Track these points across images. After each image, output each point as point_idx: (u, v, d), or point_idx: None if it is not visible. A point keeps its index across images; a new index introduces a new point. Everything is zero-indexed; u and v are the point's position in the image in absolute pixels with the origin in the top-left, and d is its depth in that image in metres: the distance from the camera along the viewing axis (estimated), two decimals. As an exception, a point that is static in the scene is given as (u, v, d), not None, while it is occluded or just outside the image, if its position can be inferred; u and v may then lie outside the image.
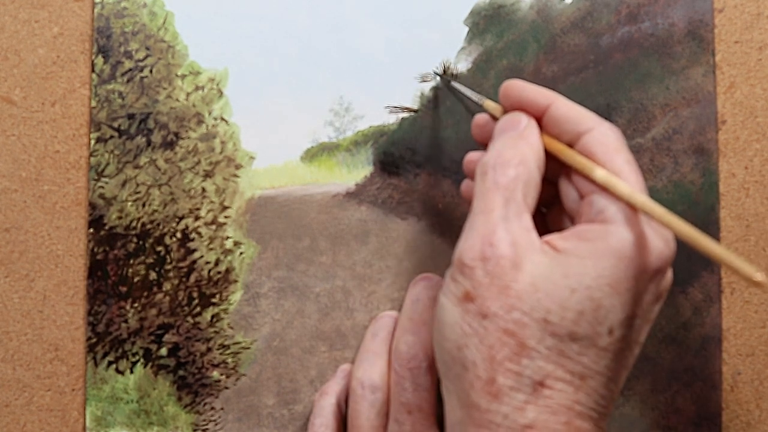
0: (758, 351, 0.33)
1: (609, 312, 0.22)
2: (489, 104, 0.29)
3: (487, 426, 0.22)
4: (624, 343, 0.23)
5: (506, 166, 0.24)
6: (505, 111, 0.27)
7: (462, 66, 0.33)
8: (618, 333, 0.22)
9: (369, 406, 0.29)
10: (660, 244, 0.23)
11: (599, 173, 0.23)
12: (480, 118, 0.29)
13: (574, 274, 0.22)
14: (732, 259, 0.20)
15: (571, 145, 0.25)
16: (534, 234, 0.23)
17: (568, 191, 0.25)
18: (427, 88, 0.33)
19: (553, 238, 0.24)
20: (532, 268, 0.22)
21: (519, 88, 0.26)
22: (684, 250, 0.33)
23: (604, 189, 0.23)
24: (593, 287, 0.22)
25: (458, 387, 0.23)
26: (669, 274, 0.25)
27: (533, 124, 0.26)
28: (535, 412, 0.22)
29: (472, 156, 0.29)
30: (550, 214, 0.28)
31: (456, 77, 0.33)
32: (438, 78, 0.33)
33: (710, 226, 0.32)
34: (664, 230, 0.23)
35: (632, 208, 0.23)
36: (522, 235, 0.23)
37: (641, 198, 0.22)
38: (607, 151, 0.24)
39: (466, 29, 0.34)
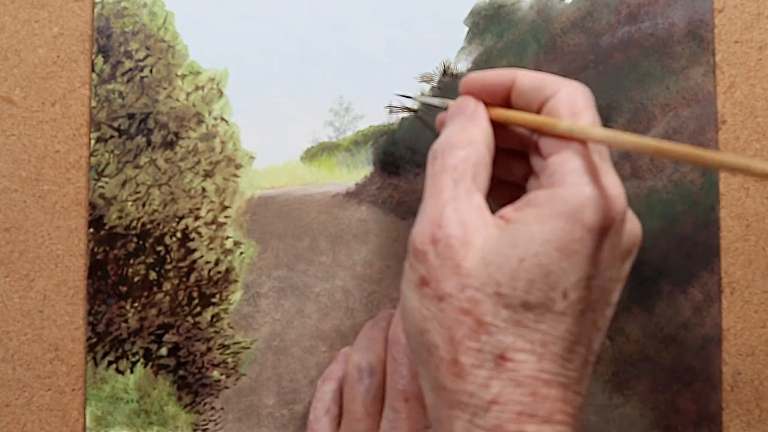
0: (758, 351, 0.33)
1: (560, 276, 0.22)
2: (452, 104, 0.29)
3: (457, 406, 0.22)
4: (584, 305, 0.22)
5: (455, 148, 0.24)
6: None
7: (462, 66, 0.33)
8: (573, 295, 0.22)
9: (364, 390, 0.30)
10: (607, 202, 0.22)
11: (563, 124, 0.23)
12: (442, 115, 0.29)
13: (521, 242, 0.22)
14: (728, 158, 0.19)
15: (537, 113, 0.25)
16: (486, 212, 0.23)
17: (538, 164, 0.25)
18: (427, 88, 0.33)
19: (506, 210, 0.23)
20: (482, 243, 0.22)
21: (478, 76, 0.26)
22: (684, 249, 0.33)
23: (571, 138, 0.23)
24: (541, 253, 0.21)
25: (427, 371, 0.23)
26: (634, 231, 0.24)
27: (481, 106, 0.26)
28: (499, 386, 0.22)
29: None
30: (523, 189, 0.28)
31: (456, 77, 0.33)
32: (395, 101, 0.33)
33: (710, 226, 0.32)
34: (615, 187, 0.22)
35: (599, 143, 0.22)
36: (472, 213, 0.23)
37: (605, 131, 0.22)
38: (572, 112, 0.23)
39: (466, 29, 0.34)
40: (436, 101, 0.30)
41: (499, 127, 0.26)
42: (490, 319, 0.22)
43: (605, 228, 0.22)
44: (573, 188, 0.22)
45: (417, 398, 0.28)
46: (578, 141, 0.23)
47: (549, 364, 0.22)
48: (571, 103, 0.24)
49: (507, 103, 0.26)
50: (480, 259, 0.22)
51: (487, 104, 0.26)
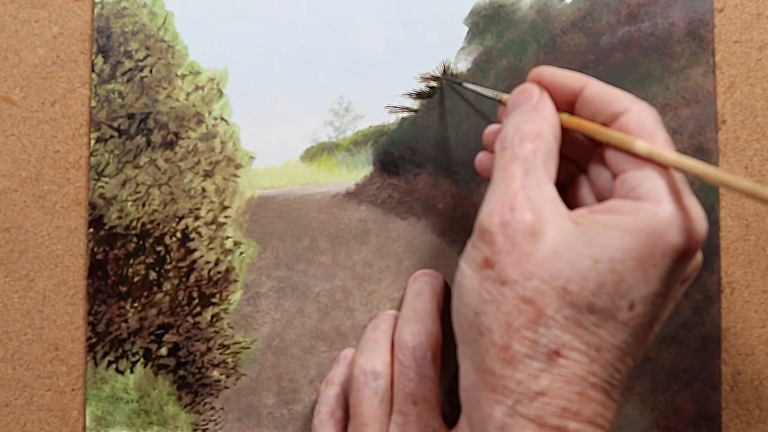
0: (758, 351, 0.33)
1: (631, 287, 0.21)
2: (507, 97, 0.28)
3: (501, 391, 0.22)
4: (644, 319, 0.22)
5: (525, 140, 0.24)
6: None
7: (462, 66, 0.33)
8: (639, 309, 0.22)
9: (372, 393, 0.29)
10: (692, 225, 0.22)
11: (641, 144, 0.23)
12: (494, 127, 0.29)
13: (598, 244, 0.21)
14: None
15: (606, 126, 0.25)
16: (560, 204, 0.23)
17: (598, 172, 0.25)
18: (427, 88, 0.33)
19: (580, 210, 0.23)
20: (554, 235, 0.22)
21: (549, 73, 0.26)
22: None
23: (648, 160, 0.23)
24: (617, 260, 0.21)
25: (473, 352, 0.23)
26: (699, 256, 0.24)
27: (546, 95, 0.26)
28: (548, 380, 0.22)
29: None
30: (567, 194, 0.28)
31: (456, 77, 0.33)
32: (443, 81, 0.33)
33: (710, 226, 0.32)
34: (697, 211, 0.22)
35: (680, 171, 0.22)
36: (544, 202, 0.23)
37: (689, 161, 0.22)
38: (644, 131, 0.23)
39: (466, 29, 0.34)
40: (487, 92, 0.30)
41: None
42: (551, 312, 0.22)
43: (686, 250, 0.22)
44: (660, 205, 0.22)
45: (426, 401, 0.28)
46: (655, 164, 0.23)
47: (599, 369, 0.22)
48: (642, 123, 0.23)
49: (570, 107, 0.26)
50: (551, 251, 0.22)
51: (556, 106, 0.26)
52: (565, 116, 0.26)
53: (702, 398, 0.32)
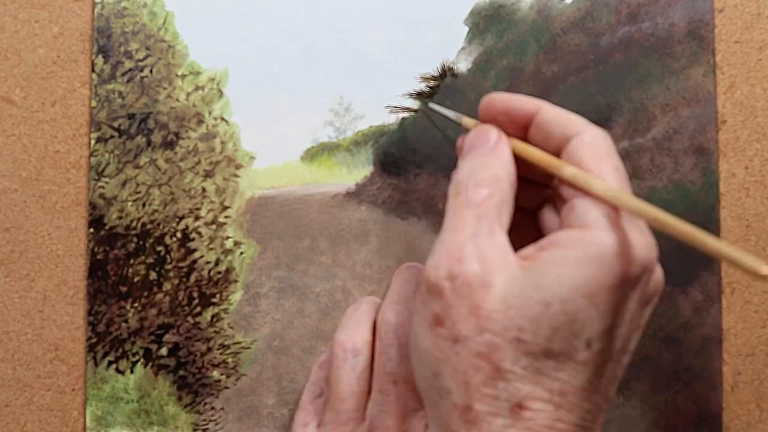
0: (758, 351, 0.33)
1: (585, 325, 0.21)
2: (468, 121, 0.28)
3: None
4: (605, 355, 0.22)
5: (479, 186, 0.23)
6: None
7: (462, 66, 0.33)
8: (597, 346, 0.21)
9: (350, 369, 0.28)
10: (641, 250, 0.21)
11: (568, 170, 0.22)
12: (461, 140, 0.28)
13: (547, 286, 0.21)
14: (733, 252, 0.18)
15: (558, 151, 0.24)
16: (509, 252, 0.22)
17: (560, 194, 0.24)
18: (427, 88, 0.33)
19: (528, 250, 0.23)
20: (503, 284, 0.21)
21: (502, 99, 0.25)
22: (683, 250, 0.33)
23: (574, 186, 0.22)
24: (567, 300, 0.20)
25: (437, 415, 0.22)
26: (658, 277, 0.23)
27: (504, 138, 0.25)
28: None
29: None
30: (536, 219, 0.28)
31: (456, 77, 0.33)
32: (420, 107, 0.33)
33: (710, 226, 0.32)
34: (645, 234, 0.22)
35: (612, 207, 0.22)
36: (494, 251, 0.22)
37: (617, 193, 0.21)
38: (594, 157, 0.23)
39: (466, 29, 0.34)
40: (450, 113, 0.30)
41: (518, 156, 0.25)
42: (508, 365, 0.21)
43: (638, 277, 0.21)
44: (606, 232, 0.21)
45: (406, 381, 0.27)
46: (580, 190, 0.22)
47: (566, 414, 0.21)
48: (594, 147, 0.23)
49: (524, 131, 0.25)
50: (501, 301, 0.21)
51: (506, 131, 0.25)
52: (514, 143, 0.25)
53: (702, 398, 0.32)
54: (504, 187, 0.23)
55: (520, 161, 0.25)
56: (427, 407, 0.23)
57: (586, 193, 0.22)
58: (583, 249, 0.21)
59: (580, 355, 0.21)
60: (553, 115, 0.24)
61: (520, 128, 0.25)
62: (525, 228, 0.27)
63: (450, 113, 0.30)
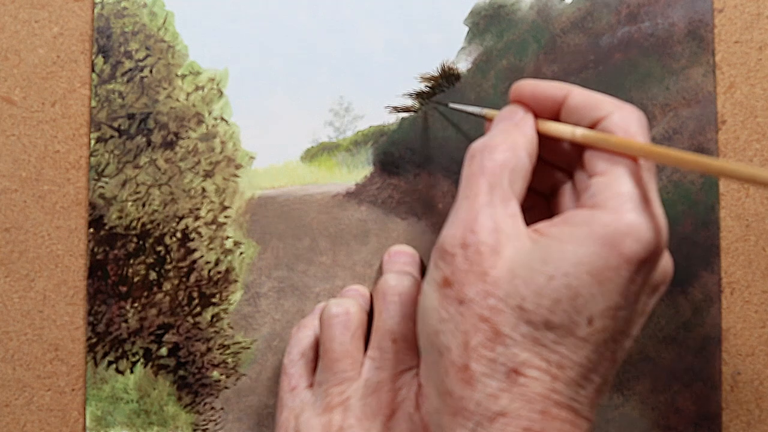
0: (758, 351, 0.33)
1: (588, 301, 0.21)
2: (491, 113, 0.28)
3: (461, 413, 0.22)
4: (606, 334, 0.22)
5: (494, 151, 0.23)
6: None
7: (462, 66, 0.33)
8: (599, 323, 0.21)
9: (343, 328, 0.28)
10: (648, 233, 0.21)
11: (579, 132, 0.22)
12: (488, 126, 0.28)
13: (552, 260, 0.21)
14: (732, 165, 0.18)
15: None
16: (519, 221, 0.23)
17: (580, 178, 0.25)
18: (427, 88, 0.33)
19: (542, 224, 0.23)
20: (512, 254, 0.22)
21: (531, 85, 0.25)
22: (683, 250, 0.33)
23: (593, 147, 0.23)
24: (571, 274, 0.21)
25: (434, 373, 0.23)
26: (666, 267, 0.24)
27: (529, 115, 0.25)
28: (508, 399, 0.21)
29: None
30: (552, 202, 0.28)
31: (457, 77, 0.33)
32: (430, 103, 0.33)
33: (710, 226, 0.32)
34: (656, 218, 0.22)
35: (628, 157, 0.22)
36: (505, 221, 0.22)
37: (627, 141, 0.21)
38: (625, 133, 0.23)
39: (466, 29, 0.34)
40: (472, 109, 0.30)
41: (543, 138, 0.25)
42: (508, 330, 0.21)
43: (643, 260, 0.21)
44: (615, 213, 0.21)
45: (405, 340, 0.28)
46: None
47: (562, 387, 0.22)
48: (625, 125, 0.23)
49: (555, 117, 0.25)
50: (507, 270, 0.22)
51: (536, 115, 0.25)
52: (545, 124, 0.25)
53: (702, 398, 0.32)
54: (520, 155, 0.24)
55: (543, 142, 0.25)
56: (424, 365, 0.24)
57: (601, 149, 0.23)
58: (590, 228, 0.21)
59: (581, 331, 0.21)
60: (582, 98, 0.24)
61: (550, 114, 0.25)
62: (539, 210, 0.27)
63: (473, 109, 0.30)
